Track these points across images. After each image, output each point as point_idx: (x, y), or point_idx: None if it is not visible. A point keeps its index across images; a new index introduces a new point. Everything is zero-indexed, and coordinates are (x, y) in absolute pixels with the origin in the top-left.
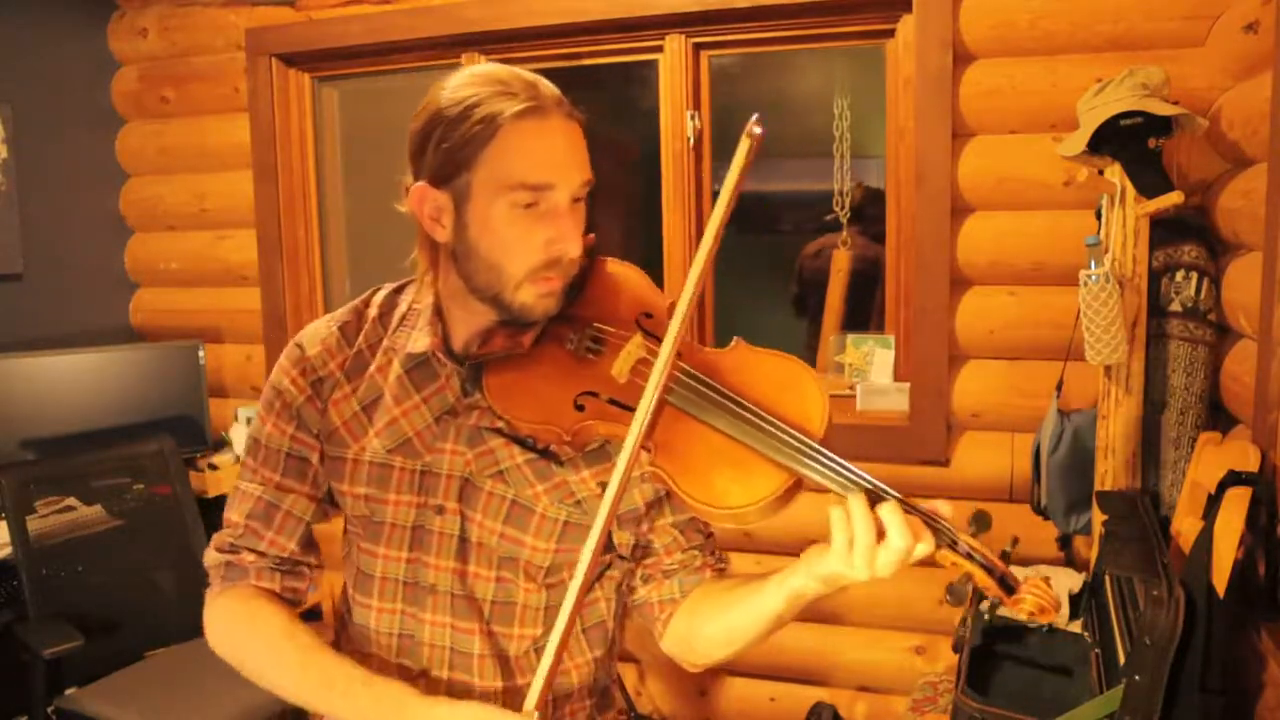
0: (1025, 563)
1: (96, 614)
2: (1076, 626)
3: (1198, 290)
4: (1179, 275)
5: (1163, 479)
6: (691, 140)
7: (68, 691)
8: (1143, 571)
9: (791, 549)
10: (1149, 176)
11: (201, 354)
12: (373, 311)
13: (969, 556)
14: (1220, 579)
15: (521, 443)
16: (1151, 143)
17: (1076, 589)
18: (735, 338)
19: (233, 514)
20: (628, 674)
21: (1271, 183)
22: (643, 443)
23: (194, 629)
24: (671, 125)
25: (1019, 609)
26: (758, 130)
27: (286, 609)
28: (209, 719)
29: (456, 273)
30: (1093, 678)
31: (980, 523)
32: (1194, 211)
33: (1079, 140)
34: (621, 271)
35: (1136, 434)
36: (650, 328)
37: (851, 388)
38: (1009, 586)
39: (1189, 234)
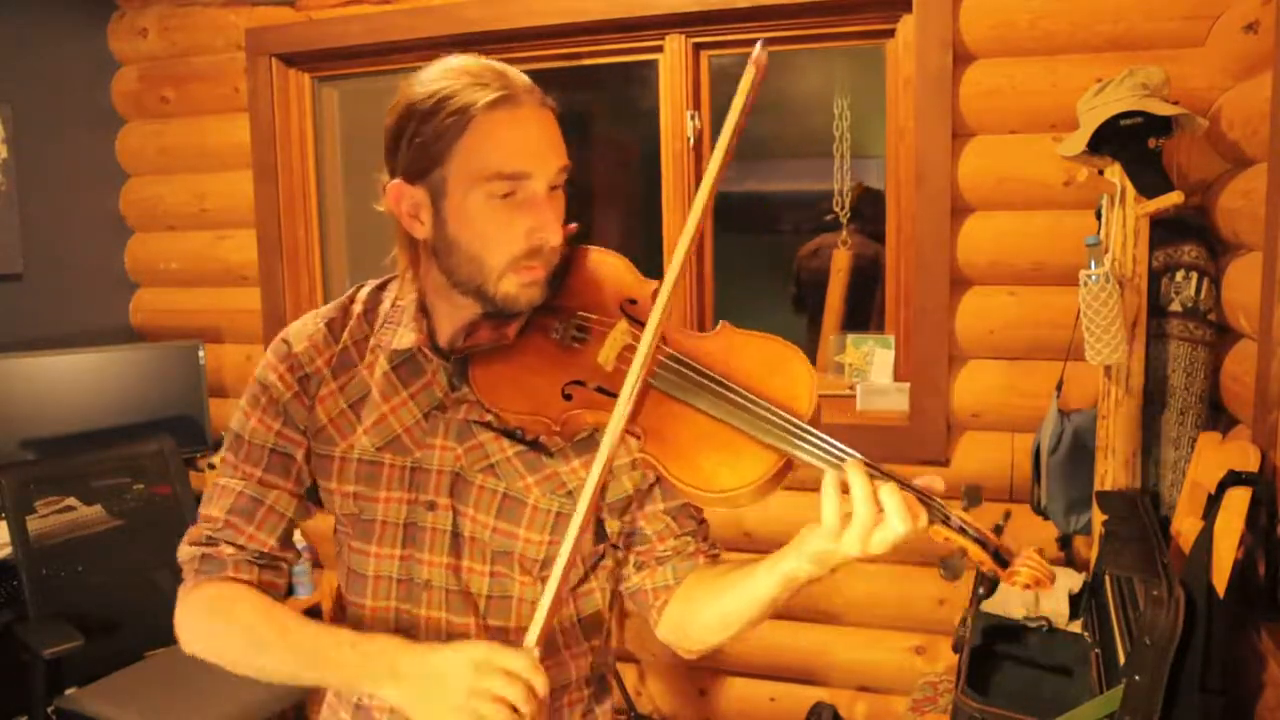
0: None
1: (96, 614)
2: (1076, 626)
3: (1198, 290)
4: (1179, 275)
5: (1163, 479)
6: (691, 140)
7: (68, 691)
8: (1143, 571)
9: None
10: (1149, 176)
11: (201, 354)
12: (357, 308)
13: (962, 531)
14: (1220, 579)
15: (511, 435)
16: (1151, 143)
17: (1076, 589)
18: (721, 321)
19: (211, 509)
20: (628, 674)
21: (1271, 183)
22: (628, 428)
23: None
24: (671, 125)
25: (1014, 581)
26: (763, 58)
27: (263, 595)
28: (209, 719)
29: (438, 268)
30: (1093, 678)
31: (972, 497)
32: (1194, 211)
33: (1079, 140)
34: (604, 259)
35: (1136, 434)
36: (635, 314)
37: (851, 388)
38: (1003, 560)
39: (1189, 234)
